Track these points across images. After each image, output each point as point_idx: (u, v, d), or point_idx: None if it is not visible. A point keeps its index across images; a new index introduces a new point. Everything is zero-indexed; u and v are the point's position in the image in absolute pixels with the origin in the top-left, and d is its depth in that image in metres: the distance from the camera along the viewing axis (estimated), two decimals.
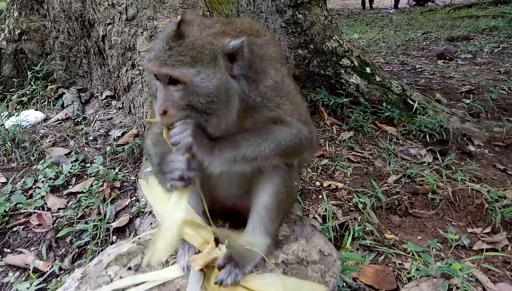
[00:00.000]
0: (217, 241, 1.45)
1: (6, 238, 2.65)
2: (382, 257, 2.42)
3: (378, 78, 4.45)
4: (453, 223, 2.79)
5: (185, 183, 1.31)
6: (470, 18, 12.86)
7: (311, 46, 4.47)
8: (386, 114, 4.18)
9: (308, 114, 1.57)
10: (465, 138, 4.01)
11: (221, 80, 1.30)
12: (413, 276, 2.22)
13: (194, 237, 1.38)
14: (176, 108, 1.30)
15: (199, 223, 1.41)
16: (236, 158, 1.34)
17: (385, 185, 3.14)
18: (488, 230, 2.67)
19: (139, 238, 1.58)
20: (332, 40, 4.51)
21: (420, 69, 7.05)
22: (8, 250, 2.57)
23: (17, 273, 2.36)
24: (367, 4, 21.68)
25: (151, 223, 2.48)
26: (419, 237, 2.66)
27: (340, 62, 4.46)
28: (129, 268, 1.42)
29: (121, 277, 1.39)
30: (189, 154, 1.30)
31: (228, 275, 1.34)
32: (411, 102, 4.31)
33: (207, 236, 1.39)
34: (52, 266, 2.35)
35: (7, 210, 2.80)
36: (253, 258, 1.41)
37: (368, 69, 4.48)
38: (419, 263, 2.29)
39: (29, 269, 2.32)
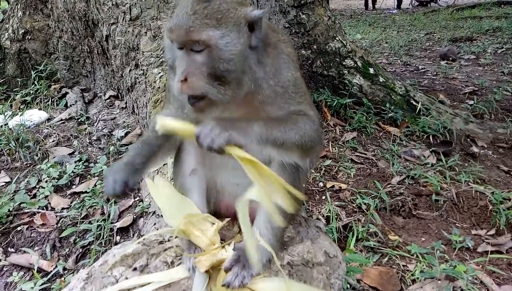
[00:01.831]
0: (223, 243, 1.45)
1: (10, 237, 2.65)
2: (386, 259, 2.41)
3: (381, 79, 4.44)
4: (457, 224, 2.78)
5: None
6: (473, 19, 12.82)
7: (315, 46, 4.47)
8: (389, 115, 4.17)
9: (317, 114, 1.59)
10: (468, 139, 4.00)
11: (242, 48, 1.30)
12: (417, 278, 2.21)
13: (200, 238, 1.38)
14: (197, 77, 1.27)
15: (205, 218, 1.41)
16: (268, 138, 1.28)
17: (388, 186, 3.13)
18: (492, 232, 2.66)
19: (144, 239, 1.58)
20: (335, 40, 4.50)
21: (423, 70, 7.04)
22: (12, 250, 2.58)
23: (21, 273, 2.36)
24: (370, 5, 21.65)
25: (154, 223, 2.48)
26: (423, 239, 2.65)
27: (344, 63, 4.45)
28: (135, 269, 1.42)
29: (126, 278, 1.39)
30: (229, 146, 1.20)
31: (236, 277, 1.33)
32: (414, 103, 4.30)
33: (213, 237, 1.39)
34: (56, 266, 2.35)
35: (11, 209, 2.81)
36: (259, 260, 1.41)
37: (371, 70, 4.47)
38: (423, 265, 2.29)
39: (33, 269, 2.33)
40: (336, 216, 2.68)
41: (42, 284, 2.22)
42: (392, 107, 4.22)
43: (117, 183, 1.41)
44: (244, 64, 1.33)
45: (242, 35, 1.29)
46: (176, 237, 1.48)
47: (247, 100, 1.43)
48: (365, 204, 2.85)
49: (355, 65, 4.45)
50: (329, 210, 2.71)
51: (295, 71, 1.48)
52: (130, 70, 3.83)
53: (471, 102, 4.86)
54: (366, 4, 21.79)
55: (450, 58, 7.71)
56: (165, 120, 1.27)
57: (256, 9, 1.33)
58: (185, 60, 1.29)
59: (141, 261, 1.43)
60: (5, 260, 2.45)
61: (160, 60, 3.46)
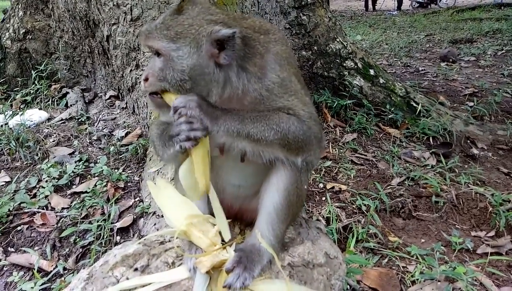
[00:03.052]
0: (224, 243, 1.45)
1: (10, 237, 2.65)
2: (386, 260, 2.42)
3: (381, 80, 4.44)
4: (457, 226, 2.79)
5: (193, 142, 1.32)
6: (473, 20, 12.83)
7: (315, 47, 4.48)
8: (389, 116, 4.18)
9: (317, 114, 1.56)
10: (468, 141, 4.01)
11: (197, 63, 1.37)
12: (417, 279, 2.22)
13: (201, 239, 1.38)
14: (156, 78, 1.39)
15: (206, 219, 1.42)
16: (240, 132, 1.33)
17: (388, 187, 3.13)
18: (492, 233, 2.67)
19: (145, 239, 1.59)
20: (336, 42, 4.51)
21: (423, 72, 7.05)
22: (12, 249, 2.58)
23: (21, 273, 2.36)
24: (370, 6, 21.67)
25: (155, 224, 2.48)
26: (423, 240, 2.66)
27: (344, 64, 4.46)
28: (136, 269, 1.42)
29: (127, 278, 1.39)
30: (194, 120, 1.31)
31: (237, 279, 1.33)
32: (414, 104, 4.31)
33: (214, 238, 1.39)
34: (56, 266, 2.35)
35: (11, 209, 2.81)
36: (260, 260, 1.41)
37: (371, 71, 4.48)
38: (423, 266, 2.29)
39: (33, 269, 2.33)
40: (336, 217, 2.68)
41: (42, 284, 2.22)
42: (392, 109, 4.23)
43: None
44: (204, 78, 1.38)
45: (200, 51, 1.35)
46: (177, 238, 1.48)
47: (239, 103, 1.45)
48: (365, 205, 2.85)
49: (356, 66, 4.45)
50: (329, 211, 2.71)
51: (281, 72, 1.45)
52: (131, 70, 3.83)
53: (471, 104, 4.87)
54: (366, 6, 21.81)
55: (450, 60, 7.73)
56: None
57: (225, 29, 1.34)
58: (150, 62, 1.45)
59: (142, 262, 1.44)
60: (5, 260, 2.45)
61: None
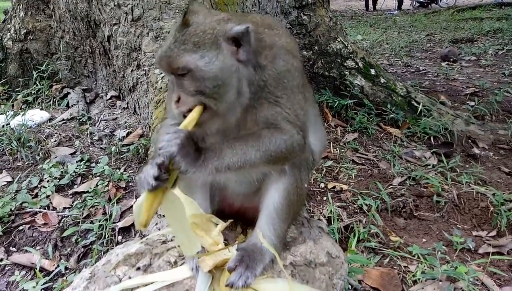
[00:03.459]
0: (226, 242, 1.45)
1: (12, 237, 2.65)
2: (387, 260, 2.42)
3: (382, 80, 4.44)
4: (458, 226, 2.79)
5: (151, 188, 1.29)
6: (474, 20, 12.82)
7: (316, 47, 4.48)
8: (390, 116, 4.18)
9: (307, 117, 1.53)
10: (469, 141, 4.00)
11: (225, 63, 1.34)
12: (419, 279, 2.22)
13: (204, 238, 1.38)
14: (188, 94, 1.36)
15: (209, 218, 1.42)
16: (219, 167, 1.32)
17: (389, 187, 3.13)
18: (493, 233, 2.67)
19: (147, 239, 1.59)
20: (336, 41, 4.51)
21: (424, 71, 7.05)
22: (14, 249, 2.58)
23: (23, 272, 2.37)
24: (371, 6, 21.67)
25: (156, 223, 2.48)
26: (424, 240, 2.66)
27: (345, 64, 4.46)
28: (138, 268, 1.43)
29: (130, 277, 1.40)
30: (171, 161, 1.28)
31: (239, 278, 1.34)
32: (415, 104, 4.31)
33: (217, 237, 1.40)
34: (58, 266, 2.35)
35: (13, 209, 2.81)
36: (262, 259, 1.42)
37: (372, 71, 4.48)
38: (424, 266, 2.29)
39: (35, 268, 2.33)
40: (337, 217, 2.68)
41: (44, 284, 2.22)
42: (393, 109, 4.23)
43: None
44: (237, 76, 1.37)
45: (222, 52, 1.34)
46: None
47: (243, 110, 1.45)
48: (366, 204, 2.85)
49: (356, 66, 4.45)
50: (331, 210, 2.71)
51: (282, 64, 1.45)
52: (132, 70, 3.84)
53: (472, 103, 4.87)
54: (366, 5, 21.81)
55: (451, 60, 7.72)
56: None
57: (237, 25, 1.34)
58: (176, 85, 1.39)
59: (144, 261, 1.44)
60: (7, 259, 2.46)
61: None
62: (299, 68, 1.56)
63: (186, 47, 1.32)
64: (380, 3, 22.37)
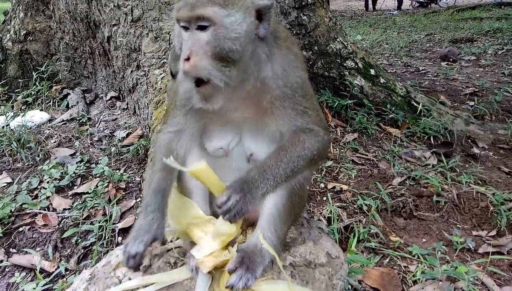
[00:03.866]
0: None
1: (12, 238, 2.66)
2: (387, 260, 2.42)
3: (382, 80, 4.44)
4: (458, 225, 2.79)
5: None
6: (473, 20, 12.83)
7: (316, 47, 4.47)
8: (390, 116, 4.18)
9: (323, 116, 1.58)
10: (469, 140, 4.00)
11: (248, 30, 1.29)
12: (419, 279, 2.21)
13: (203, 239, 1.38)
14: (201, 56, 1.25)
15: (209, 220, 1.43)
16: (278, 184, 1.36)
17: (389, 187, 3.13)
18: (493, 233, 2.66)
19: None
20: (336, 42, 4.51)
21: (423, 71, 7.05)
22: (14, 250, 2.58)
23: (23, 273, 2.37)
24: (370, 6, 21.67)
25: None
26: (424, 240, 2.66)
27: (344, 64, 4.45)
28: (138, 269, 1.43)
29: (129, 279, 1.40)
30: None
31: (240, 279, 1.34)
32: (415, 104, 4.30)
33: (217, 238, 1.40)
34: (58, 267, 2.36)
35: (12, 210, 2.82)
36: (262, 261, 1.41)
37: (372, 71, 4.48)
38: (424, 266, 2.29)
39: (35, 269, 2.33)
40: (337, 217, 2.68)
41: (44, 285, 2.23)
42: (393, 109, 4.22)
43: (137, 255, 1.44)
44: (250, 49, 1.32)
45: (249, 19, 1.29)
46: (178, 238, 1.48)
47: (255, 100, 1.43)
48: (366, 205, 2.85)
49: (356, 66, 4.45)
50: (331, 211, 2.71)
51: (303, 72, 1.47)
52: (132, 71, 3.84)
53: (472, 103, 4.87)
54: (366, 5, 21.81)
55: (451, 59, 7.72)
56: (201, 167, 1.33)
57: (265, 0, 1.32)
58: (190, 40, 1.28)
59: (144, 262, 1.44)
60: (7, 261, 2.46)
61: (162, 61, 3.47)
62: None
63: (216, 0, 1.26)
64: (380, 3, 22.37)
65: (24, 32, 4.79)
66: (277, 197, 1.44)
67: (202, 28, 1.27)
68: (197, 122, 1.54)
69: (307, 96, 1.46)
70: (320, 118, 1.50)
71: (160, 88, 3.38)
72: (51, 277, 2.30)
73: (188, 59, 1.25)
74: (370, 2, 21.65)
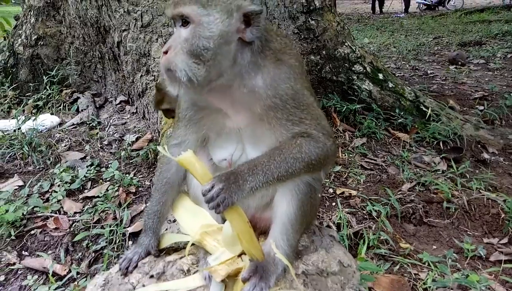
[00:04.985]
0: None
1: (24, 241, 2.69)
2: (397, 267, 2.41)
3: (390, 85, 4.43)
4: (468, 232, 2.77)
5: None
6: (482, 23, 12.74)
7: (324, 52, 4.48)
8: (399, 121, 4.16)
9: (329, 126, 1.57)
10: (479, 145, 3.97)
11: (225, 31, 1.33)
12: (429, 287, 2.20)
13: (216, 248, 1.39)
14: (177, 51, 1.33)
15: (220, 228, 1.43)
16: (269, 182, 1.36)
17: (399, 192, 3.12)
18: (505, 240, 2.64)
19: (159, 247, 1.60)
20: (344, 46, 4.51)
21: (432, 75, 7.01)
22: (26, 253, 2.61)
23: (35, 276, 2.39)
24: (377, 9, 21.63)
25: (166, 229, 2.50)
26: (434, 247, 2.64)
27: (353, 68, 4.45)
28: (151, 276, 1.44)
29: (143, 285, 1.41)
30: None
31: (254, 288, 1.34)
32: (424, 109, 4.29)
33: (231, 247, 1.40)
34: (70, 270, 2.38)
35: (24, 213, 2.84)
36: (275, 270, 1.42)
37: (380, 76, 4.47)
38: (435, 274, 2.28)
39: (47, 273, 2.36)
40: (346, 223, 2.68)
41: (56, 288, 2.25)
42: (402, 113, 4.21)
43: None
44: (228, 51, 1.36)
45: (229, 21, 1.34)
46: (192, 244, 1.49)
47: (246, 106, 1.45)
48: (375, 211, 2.84)
49: (364, 70, 4.45)
50: (340, 217, 2.71)
51: (295, 83, 1.46)
52: (141, 76, 3.88)
53: (481, 107, 4.83)
54: (373, 8, 21.78)
55: (459, 63, 7.67)
56: (187, 155, 1.36)
57: (254, 5, 1.36)
58: (174, 36, 1.39)
59: (158, 269, 1.45)
60: (19, 264, 2.49)
61: None
62: (310, 88, 1.59)
63: (198, 0, 1.33)
64: (387, 6, 22.31)
65: (35, 37, 4.85)
66: (289, 205, 1.45)
67: (184, 24, 1.35)
68: (197, 133, 1.60)
69: (301, 107, 1.45)
70: (321, 126, 1.49)
71: None
72: (64, 280, 2.32)
73: (166, 52, 1.35)
74: (377, 5, 21.62)
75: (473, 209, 2.94)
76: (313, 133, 1.44)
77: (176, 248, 1.61)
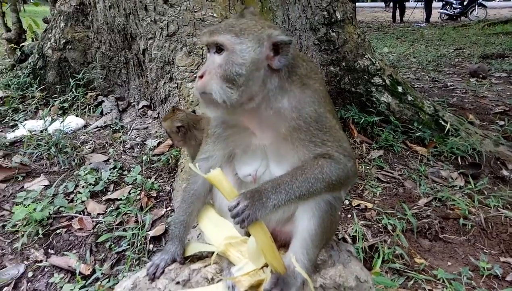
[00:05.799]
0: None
1: (50, 239, 2.80)
2: (412, 282, 2.43)
3: (409, 98, 4.44)
4: (485, 250, 2.76)
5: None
6: (505, 34, 12.54)
7: (343, 63, 4.53)
8: (417, 134, 4.17)
9: (350, 147, 1.63)
10: (498, 162, 3.94)
11: (256, 59, 1.43)
12: None
13: (240, 259, 1.46)
14: (211, 76, 1.43)
15: (244, 240, 1.50)
16: (291, 199, 1.44)
17: (415, 207, 3.14)
18: None
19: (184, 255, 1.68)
20: (364, 58, 4.55)
21: (451, 87, 6.95)
22: (52, 251, 2.73)
23: (61, 274, 2.50)
24: (398, 17, 21.45)
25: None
26: (449, 263, 2.65)
27: (372, 81, 4.48)
28: (177, 283, 1.52)
29: None
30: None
31: None
32: (443, 123, 4.28)
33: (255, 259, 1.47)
34: (94, 271, 2.48)
35: (51, 212, 2.96)
36: (295, 283, 1.48)
37: (399, 88, 4.49)
38: None
39: (72, 271, 2.47)
40: (362, 236, 2.71)
41: (81, 287, 2.35)
42: (420, 127, 4.22)
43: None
44: (258, 77, 1.45)
45: (260, 49, 1.43)
46: (217, 254, 1.56)
47: (273, 126, 1.53)
48: (391, 224, 2.87)
49: (384, 83, 4.47)
50: (356, 229, 2.75)
51: (318, 107, 1.53)
52: (165, 83, 4.00)
53: (502, 123, 4.79)
54: (393, 17, 21.61)
55: (480, 76, 7.58)
56: (215, 173, 1.46)
57: (284, 35, 1.45)
58: (208, 61, 1.48)
59: (183, 276, 1.53)
60: (46, 261, 2.61)
61: (194, 75, 3.60)
62: (333, 111, 1.66)
63: (232, 29, 1.43)
64: (408, 15, 22.12)
65: (64, 41, 5.05)
66: (310, 222, 1.51)
67: (219, 51, 1.45)
68: (224, 149, 1.69)
69: (324, 130, 1.53)
70: (343, 148, 1.55)
71: (192, 101, 3.51)
72: (90, 280, 2.41)
73: (201, 77, 1.45)
74: (397, 14, 21.44)
75: (490, 226, 2.93)
76: (334, 155, 1.51)
77: (200, 257, 1.68)
